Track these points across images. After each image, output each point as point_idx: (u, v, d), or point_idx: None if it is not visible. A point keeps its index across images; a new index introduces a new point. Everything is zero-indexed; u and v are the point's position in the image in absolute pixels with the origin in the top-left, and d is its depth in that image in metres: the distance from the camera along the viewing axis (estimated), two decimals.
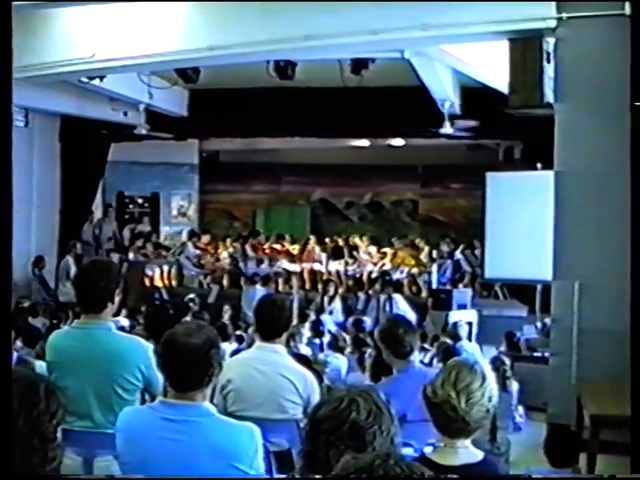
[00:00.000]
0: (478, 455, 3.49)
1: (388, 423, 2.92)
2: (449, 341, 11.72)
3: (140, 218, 21.63)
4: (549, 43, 8.76)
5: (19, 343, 10.17)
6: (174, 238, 21.48)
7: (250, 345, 9.18)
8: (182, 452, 3.64)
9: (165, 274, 18.73)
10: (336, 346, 11.16)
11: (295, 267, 18.62)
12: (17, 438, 2.64)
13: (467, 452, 3.47)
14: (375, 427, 2.88)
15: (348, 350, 12.01)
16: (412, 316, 13.53)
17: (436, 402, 3.45)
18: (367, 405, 2.91)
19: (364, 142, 20.42)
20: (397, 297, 16.42)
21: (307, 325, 14.08)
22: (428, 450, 3.60)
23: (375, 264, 18.36)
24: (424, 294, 17.11)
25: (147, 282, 18.52)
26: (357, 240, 19.53)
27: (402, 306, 15.92)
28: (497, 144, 19.46)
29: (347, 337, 12.99)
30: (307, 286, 18.16)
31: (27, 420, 2.67)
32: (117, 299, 4.92)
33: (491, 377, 3.52)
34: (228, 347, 9.52)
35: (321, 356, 10.87)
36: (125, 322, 12.37)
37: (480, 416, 3.43)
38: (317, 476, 2.85)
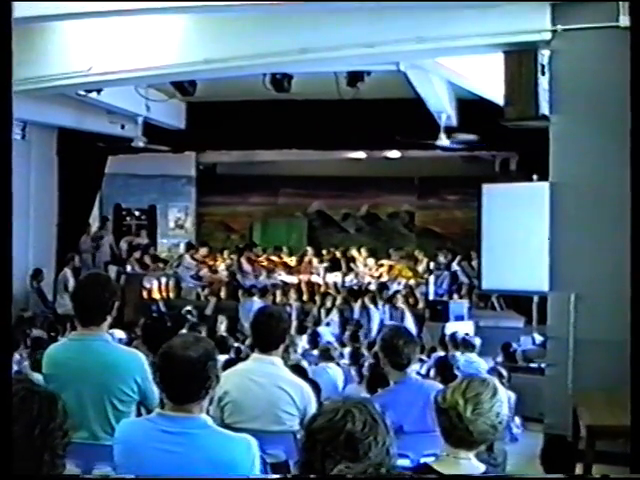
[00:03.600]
0: (480, 468, 3.51)
1: (383, 434, 2.94)
2: (457, 352, 11.77)
3: (137, 230, 21.65)
4: (544, 55, 8.79)
5: (17, 355, 10.18)
6: (171, 250, 21.50)
7: (246, 357, 9.16)
8: (179, 464, 3.65)
9: (163, 286, 18.75)
10: (327, 357, 11.15)
11: (293, 279, 18.64)
12: (29, 448, 2.67)
13: (469, 464, 3.49)
14: (370, 438, 2.90)
15: (344, 361, 12.00)
16: (412, 327, 13.55)
17: (444, 407, 3.48)
18: (362, 416, 2.93)
19: (360, 154, 20.45)
20: (403, 307, 16.43)
21: (305, 337, 14.10)
22: (430, 460, 3.63)
23: (372, 276, 18.39)
24: (421, 305, 17.13)
25: (145, 294, 18.53)
26: (354, 252, 19.56)
27: (408, 319, 15.94)
28: (493, 156, 19.51)
29: (338, 347, 12.99)
30: (305, 298, 18.17)
31: (42, 432, 2.70)
32: (114, 311, 4.97)
33: (503, 394, 3.53)
34: (222, 358, 9.52)
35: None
36: (122, 334, 12.37)
37: (484, 429, 3.44)
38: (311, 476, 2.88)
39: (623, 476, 4.91)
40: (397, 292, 17.10)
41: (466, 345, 12.05)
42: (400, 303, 16.54)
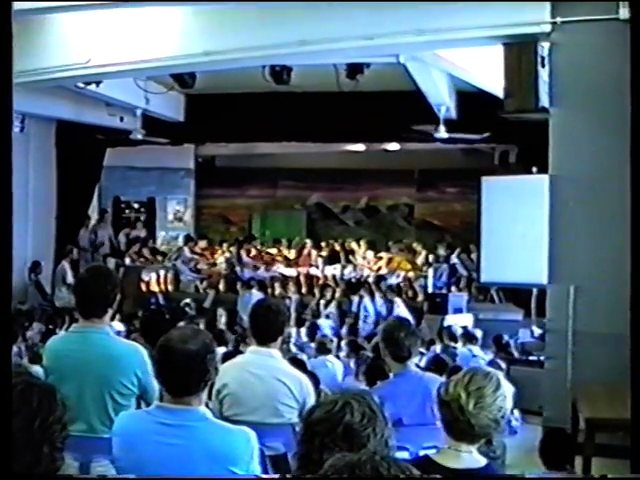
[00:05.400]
0: (481, 461, 3.51)
1: (382, 426, 2.94)
2: (453, 344, 11.76)
3: (136, 223, 21.64)
4: (544, 47, 8.78)
5: (15, 348, 10.19)
6: (170, 243, 21.48)
7: (237, 347, 9.15)
8: (178, 456, 3.65)
9: (161, 279, 18.72)
10: (324, 349, 11.15)
11: (292, 272, 18.62)
12: (28, 441, 2.67)
13: (470, 457, 3.49)
14: (369, 430, 2.90)
15: (343, 354, 12.02)
16: (410, 320, 13.49)
17: (446, 400, 3.48)
18: (361, 408, 2.93)
19: (360, 146, 20.43)
20: (397, 300, 16.40)
21: (303, 330, 14.11)
22: (430, 452, 3.63)
23: (371, 268, 18.37)
24: (420, 298, 17.11)
25: (143, 287, 18.50)
26: (353, 244, 19.54)
27: (402, 310, 15.90)
28: (492, 148, 19.49)
29: (334, 340, 12.99)
30: (303, 290, 18.15)
31: (42, 425, 2.70)
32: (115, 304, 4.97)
33: (507, 388, 3.53)
34: (220, 351, 9.52)
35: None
36: (121, 327, 12.37)
37: (486, 422, 3.44)
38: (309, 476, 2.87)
39: (622, 476, 4.91)
40: (398, 285, 17.08)
41: (469, 337, 12.07)
42: (391, 296, 16.48)
